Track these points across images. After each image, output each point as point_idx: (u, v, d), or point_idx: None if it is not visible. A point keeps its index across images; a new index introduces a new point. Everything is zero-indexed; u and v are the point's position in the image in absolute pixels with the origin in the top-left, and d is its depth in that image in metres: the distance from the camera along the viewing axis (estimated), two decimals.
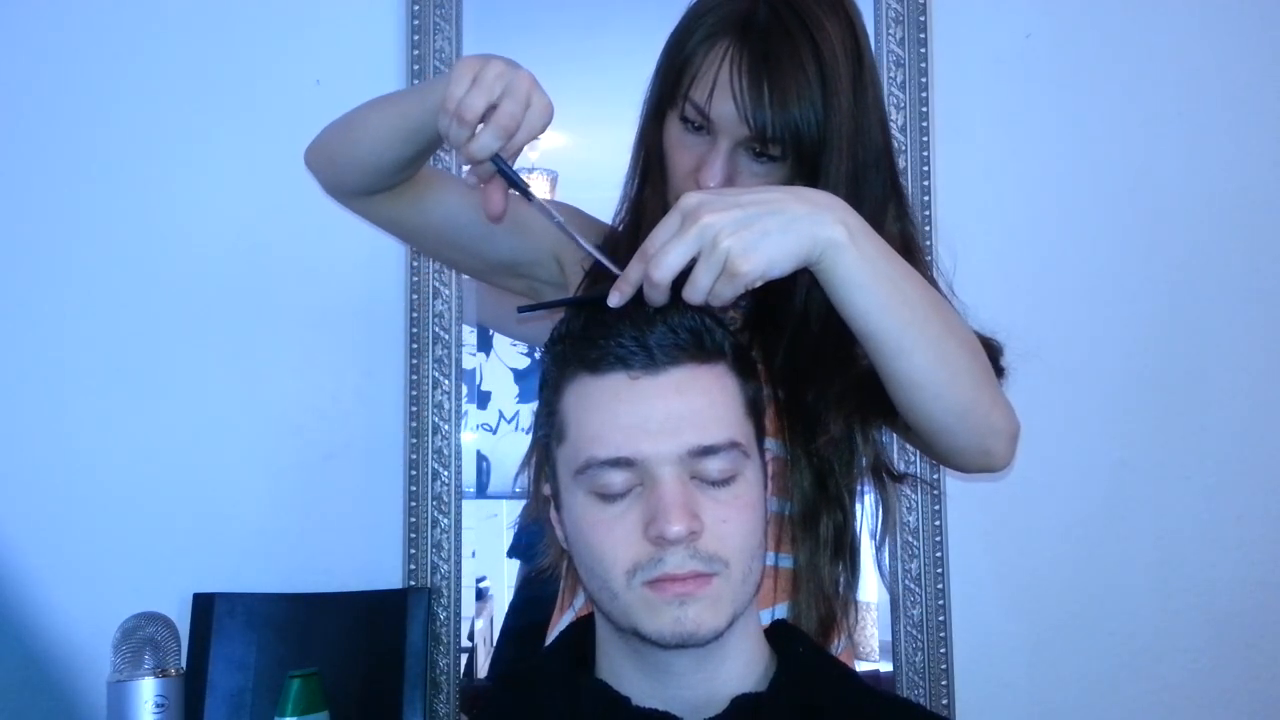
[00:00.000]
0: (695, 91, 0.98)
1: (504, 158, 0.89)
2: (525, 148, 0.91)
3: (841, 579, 1.04)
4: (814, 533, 1.02)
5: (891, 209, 1.06)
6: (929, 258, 1.71)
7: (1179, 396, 1.76)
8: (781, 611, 1.02)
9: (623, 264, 0.83)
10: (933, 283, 1.05)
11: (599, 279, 1.01)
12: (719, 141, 0.99)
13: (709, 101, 0.97)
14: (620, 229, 1.12)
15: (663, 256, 0.79)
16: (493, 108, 0.87)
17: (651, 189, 1.07)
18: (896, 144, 1.73)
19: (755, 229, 0.79)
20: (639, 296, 0.82)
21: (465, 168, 0.90)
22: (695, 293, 0.79)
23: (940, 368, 0.88)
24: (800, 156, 0.98)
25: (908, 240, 1.08)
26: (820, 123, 0.96)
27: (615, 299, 0.81)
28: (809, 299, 1.00)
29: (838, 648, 1.06)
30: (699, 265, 0.79)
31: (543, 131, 0.90)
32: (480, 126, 0.87)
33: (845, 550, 1.05)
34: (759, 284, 0.80)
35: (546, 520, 0.91)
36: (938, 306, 0.91)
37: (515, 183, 0.90)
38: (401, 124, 0.99)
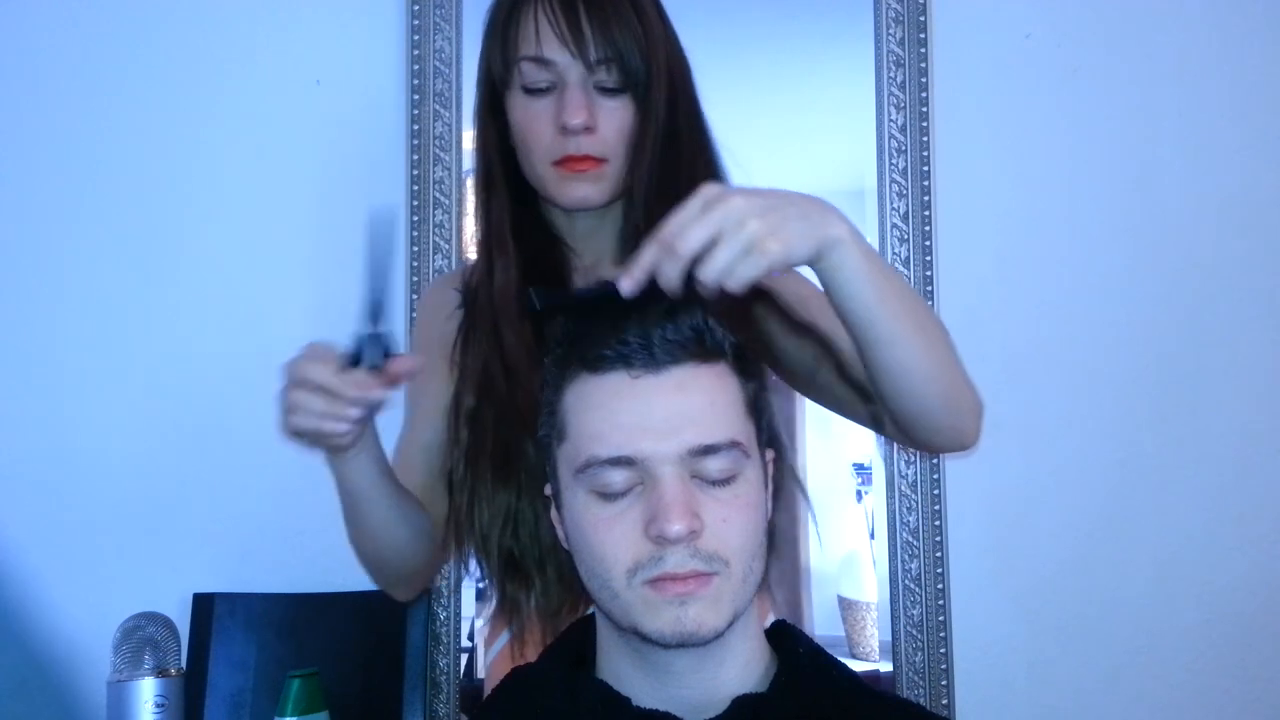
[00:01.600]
0: (524, 50, 1.03)
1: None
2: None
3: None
4: None
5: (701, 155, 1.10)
6: (928, 257, 1.72)
7: (1180, 397, 1.76)
8: None
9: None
10: None
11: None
12: (566, 84, 1.03)
13: (539, 47, 1.02)
14: (477, 258, 1.13)
15: (685, 235, 0.78)
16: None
17: (497, 194, 1.10)
18: (896, 144, 1.73)
19: (778, 214, 0.80)
20: (646, 293, 0.80)
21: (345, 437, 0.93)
22: (713, 270, 0.78)
23: (927, 355, 0.92)
24: (629, 78, 1.02)
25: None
26: (640, 42, 1.02)
27: (628, 285, 0.80)
28: None
29: None
30: (720, 245, 0.78)
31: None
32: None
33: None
34: (779, 268, 0.80)
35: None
36: (916, 299, 0.96)
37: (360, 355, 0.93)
38: (368, 510, 1.02)
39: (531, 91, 1.04)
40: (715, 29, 1.75)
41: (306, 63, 1.72)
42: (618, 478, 0.79)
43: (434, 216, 1.69)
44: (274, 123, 1.71)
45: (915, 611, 1.69)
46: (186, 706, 1.20)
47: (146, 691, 1.15)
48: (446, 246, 1.69)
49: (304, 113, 1.72)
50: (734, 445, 0.80)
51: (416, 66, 1.70)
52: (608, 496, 0.79)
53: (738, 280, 0.79)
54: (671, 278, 0.78)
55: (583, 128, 1.02)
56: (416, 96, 1.70)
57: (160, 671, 1.16)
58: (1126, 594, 1.73)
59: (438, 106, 1.70)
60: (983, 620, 1.71)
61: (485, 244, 1.12)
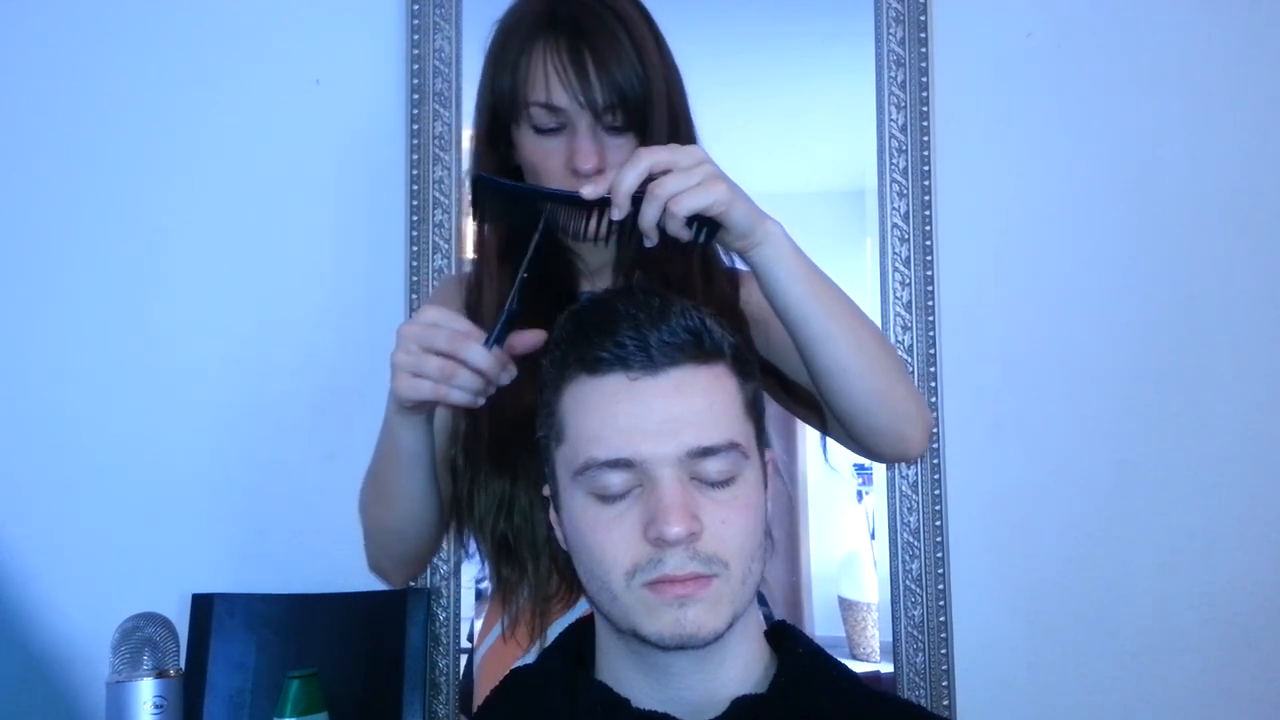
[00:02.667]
0: (534, 95, 1.05)
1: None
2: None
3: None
4: None
5: None
6: (929, 257, 1.72)
7: (1180, 396, 1.75)
8: None
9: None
10: None
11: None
12: (576, 128, 1.06)
13: (549, 95, 1.05)
14: (473, 271, 1.17)
15: (650, 154, 0.89)
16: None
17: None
18: (896, 144, 1.73)
19: (729, 181, 0.91)
20: (643, 299, 0.82)
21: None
22: (663, 189, 0.88)
23: (859, 353, 0.99)
24: (631, 117, 1.06)
25: None
26: (641, 79, 1.05)
27: (590, 190, 0.90)
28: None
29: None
30: (676, 173, 0.89)
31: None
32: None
33: None
34: (717, 210, 0.89)
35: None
36: (852, 304, 1.02)
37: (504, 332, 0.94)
38: (408, 473, 1.05)
39: (542, 131, 1.07)
40: (716, 29, 1.75)
41: (306, 63, 1.72)
42: (616, 480, 0.79)
43: (434, 216, 1.69)
44: (274, 123, 1.71)
45: (916, 612, 1.69)
46: (186, 707, 1.20)
47: (146, 692, 1.15)
48: (446, 246, 1.69)
49: (304, 113, 1.72)
50: (733, 446, 0.80)
51: (416, 66, 1.70)
52: (606, 499, 0.79)
53: (679, 205, 0.88)
54: (628, 182, 0.88)
55: (594, 171, 1.05)
56: (416, 96, 1.70)
57: (159, 672, 1.16)
58: (1127, 594, 1.73)
59: (438, 106, 1.70)
60: (983, 620, 1.71)
61: (477, 260, 1.15)
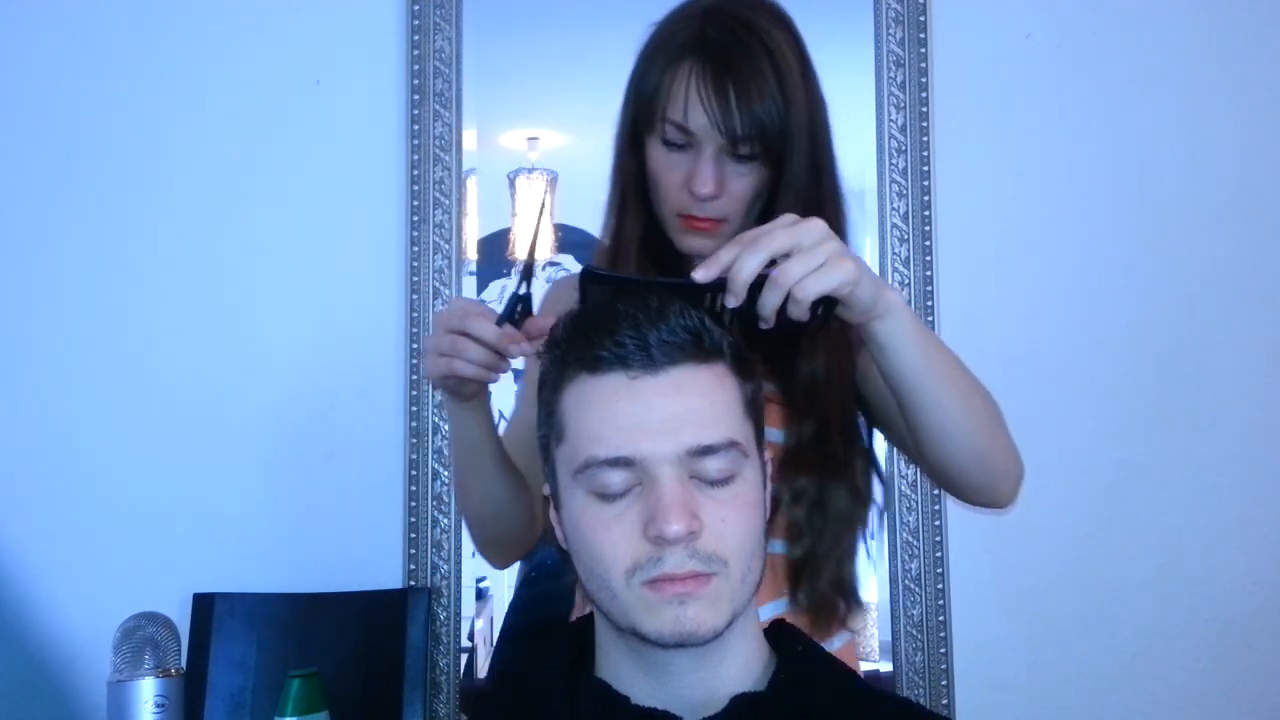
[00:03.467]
0: (671, 111, 1.07)
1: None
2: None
3: (844, 568, 1.12)
4: (820, 518, 1.10)
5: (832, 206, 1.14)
6: (928, 257, 1.72)
7: (1180, 397, 1.76)
8: (782, 606, 1.08)
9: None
10: None
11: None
12: (702, 151, 1.07)
13: (685, 117, 1.06)
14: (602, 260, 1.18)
15: (773, 233, 0.85)
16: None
17: (630, 217, 1.14)
18: (896, 144, 1.73)
19: (850, 254, 0.88)
20: (642, 301, 0.82)
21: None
22: (786, 276, 0.84)
23: (968, 419, 0.99)
24: (767, 150, 1.06)
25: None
26: (782, 115, 1.05)
27: (702, 274, 0.85)
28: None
29: (832, 644, 1.07)
30: (797, 256, 0.85)
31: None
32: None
33: (846, 538, 1.12)
34: (844, 291, 0.86)
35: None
36: (961, 367, 1.01)
37: (514, 311, 0.97)
38: (479, 464, 1.09)
39: (669, 144, 1.08)
40: None
41: (306, 63, 1.72)
42: (616, 478, 0.79)
43: (434, 216, 1.69)
44: (274, 123, 1.72)
45: (915, 611, 1.69)
46: (186, 706, 1.20)
47: (146, 691, 1.15)
48: (446, 246, 1.69)
49: (304, 113, 1.72)
50: (732, 445, 0.80)
51: (416, 66, 1.70)
52: (606, 497, 0.79)
53: (804, 291, 0.84)
54: (749, 269, 0.84)
55: (710, 196, 1.07)
56: (416, 96, 1.70)
57: (160, 671, 1.16)
58: (1126, 594, 1.73)
59: (438, 106, 1.70)
60: (982, 620, 1.71)
61: (613, 257, 1.16)
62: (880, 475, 1.19)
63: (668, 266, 1.14)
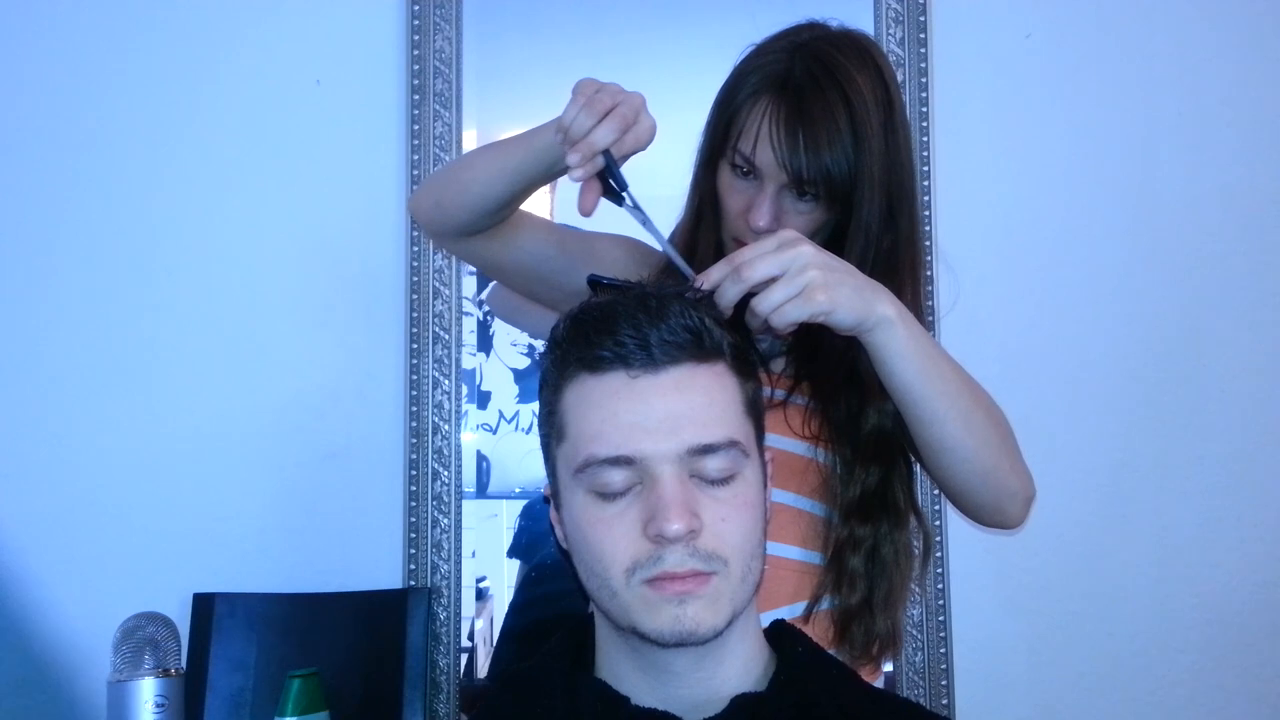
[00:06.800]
0: (742, 143, 1.09)
1: (614, 156, 0.96)
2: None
3: (894, 616, 1.12)
4: (877, 568, 1.10)
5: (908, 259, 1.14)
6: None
7: (1179, 396, 1.76)
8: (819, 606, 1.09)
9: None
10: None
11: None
12: (765, 185, 1.09)
13: (753, 151, 1.08)
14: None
15: (756, 263, 0.89)
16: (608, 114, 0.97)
17: (705, 230, 1.16)
18: None
19: (837, 275, 0.91)
20: (642, 297, 0.83)
21: (574, 171, 0.97)
22: (766, 303, 0.88)
23: (968, 436, 1.00)
24: (833, 196, 1.08)
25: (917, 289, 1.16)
26: (851, 165, 1.06)
27: (702, 282, 0.89)
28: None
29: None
30: (779, 283, 0.89)
31: (647, 146, 0.99)
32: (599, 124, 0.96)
33: (899, 588, 1.13)
34: (819, 319, 0.90)
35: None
36: (967, 383, 1.03)
37: (618, 180, 0.98)
38: (510, 163, 1.09)
39: (736, 169, 1.11)
40: (716, 29, 1.75)
41: (306, 63, 1.72)
42: (617, 477, 0.79)
43: None
44: (274, 123, 1.72)
45: (915, 611, 1.69)
46: (186, 706, 1.20)
47: (147, 691, 1.15)
48: None
49: (304, 113, 1.72)
50: (733, 445, 0.80)
51: (416, 66, 1.70)
52: (607, 496, 0.79)
53: (783, 318, 0.89)
54: (729, 297, 0.88)
55: (766, 230, 1.08)
56: (416, 96, 1.70)
57: (160, 671, 1.16)
58: (1126, 594, 1.73)
59: (438, 106, 1.70)
60: (982, 620, 1.71)
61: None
62: (926, 528, 1.20)
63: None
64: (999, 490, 1.05)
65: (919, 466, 1.13)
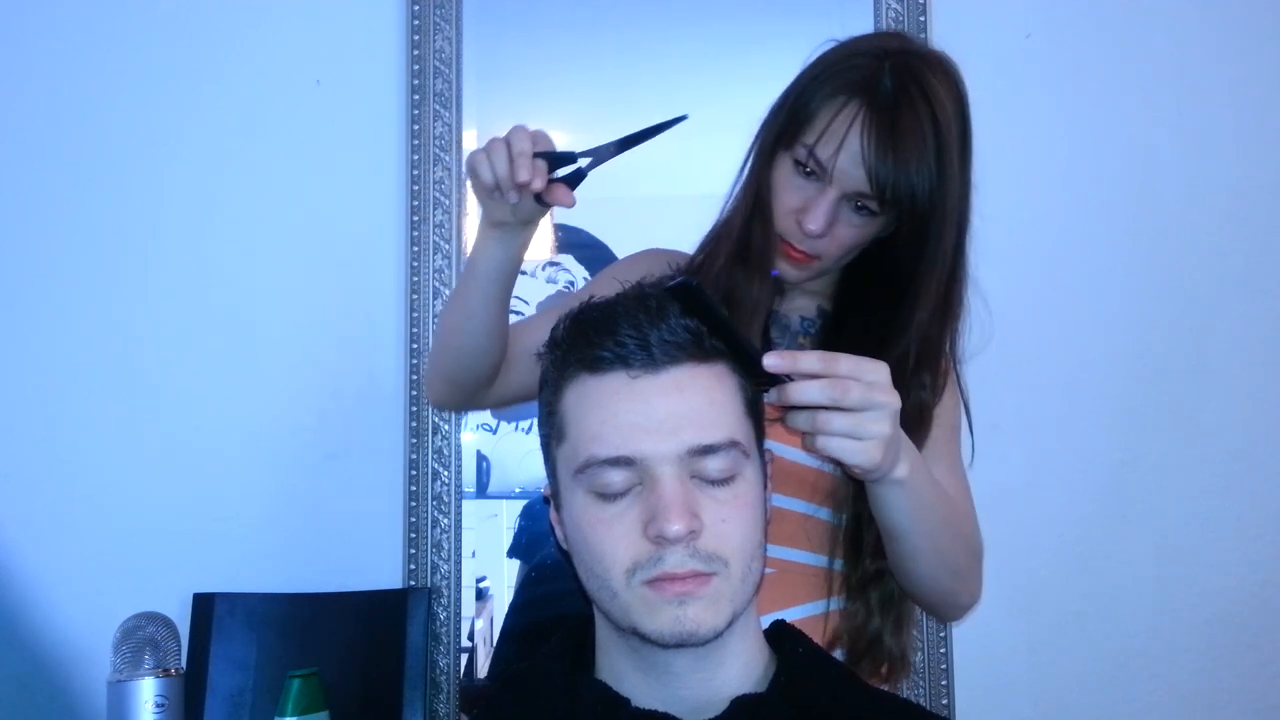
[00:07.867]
0: (819, 145, 1.05)
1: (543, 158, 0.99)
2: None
3: (902, 640, 1.16)
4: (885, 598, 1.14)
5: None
6: None
7: (1179, 396, 1.76)
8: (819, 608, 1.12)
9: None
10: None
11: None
12: (829, 190, 1.06)
13: (834, 156, 1.04)
14: (706, 256, 1.18)
15: (846, 389, 0.83)
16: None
17: (761, 222, 1.13)
18: None
19: (894, 439, 0.87)
20: (644, 296, 0.83)
21: (533, 182, 1.00)
22: (822, 425, 0.84)
23: (936, 565, 1.04)
24: (904, 215, 1.06)
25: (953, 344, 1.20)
26: (934, 189, 1.05)
27: (773, 362, 0.83)
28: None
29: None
30: (849, 418, 0.84)
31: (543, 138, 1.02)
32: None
33: (907, 615, 1.18)
34: (850, 470, 0.89)
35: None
36: (950, 522, 1.04)
37: (561, 159, 1.00)
38: (475, 286, 1.09)
39: (799, 165, 1.08)
40: (715, 29, 1.75)
41: (306, 63, 1.72)
42: (617, 478, 0.79)
43: (434, 216, 1.69)
44: (274, 123, 1.71)
45: (915, 611, 1.68)
46: (186, 706, 1.20)
47: (146, 691, 1.15)
48: (447, 246, 1.69)
49: (304, 113, 1.72)
50: (733, 445, 0.80)
51: (416, 66, 1.70)
52: (607, 497, 0.79)
53: (827, 447, 0.85)
54: (802, 398, 0.84)
55: (817, 235, 1.07)
56: (416, 96, 1.70)
57: (160, 671, 1.16)
58: (1126, 593, 1.73)
59: (438, 106, 1.70)
60: (983, 620, 1.70)
61: (740, 258, 1.14)
62: None
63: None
64: (947, 604, 1.12)
65: None
